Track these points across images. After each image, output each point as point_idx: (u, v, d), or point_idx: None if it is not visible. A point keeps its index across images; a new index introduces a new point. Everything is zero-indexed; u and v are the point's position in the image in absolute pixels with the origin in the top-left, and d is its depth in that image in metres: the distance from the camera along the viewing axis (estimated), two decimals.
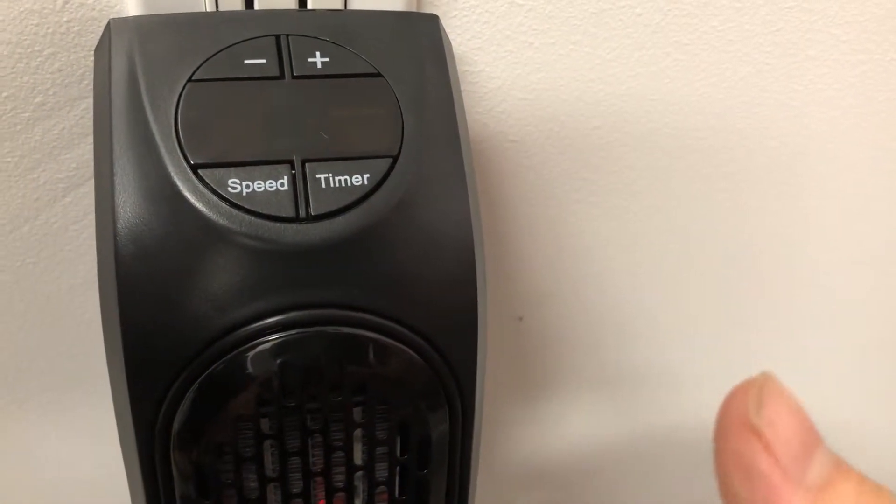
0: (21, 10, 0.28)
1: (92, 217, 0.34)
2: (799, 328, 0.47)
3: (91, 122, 0.31)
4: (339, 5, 0.29)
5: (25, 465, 0.41)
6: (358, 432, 0.26)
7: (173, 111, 0.24)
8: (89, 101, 0.31)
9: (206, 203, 0.23)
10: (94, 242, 0.35)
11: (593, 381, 0.46)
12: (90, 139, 0.32)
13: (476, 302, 0.26)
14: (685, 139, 0.37)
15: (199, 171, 0.23)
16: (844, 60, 0.36)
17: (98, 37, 0.29)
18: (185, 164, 0.23)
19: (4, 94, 0.30)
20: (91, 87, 0.30)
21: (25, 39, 0.28)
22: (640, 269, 0.42)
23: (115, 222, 0.23)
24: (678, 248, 0.41)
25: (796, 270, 0.44)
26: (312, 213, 0.24)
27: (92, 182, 0.33)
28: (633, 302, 0.43)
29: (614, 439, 0.49)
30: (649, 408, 0.49)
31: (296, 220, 0.24)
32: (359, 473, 0.26)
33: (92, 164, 0.32)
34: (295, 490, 0.26)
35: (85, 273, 0.36)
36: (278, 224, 0.23)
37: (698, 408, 0.49)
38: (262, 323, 0.24)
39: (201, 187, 0.23)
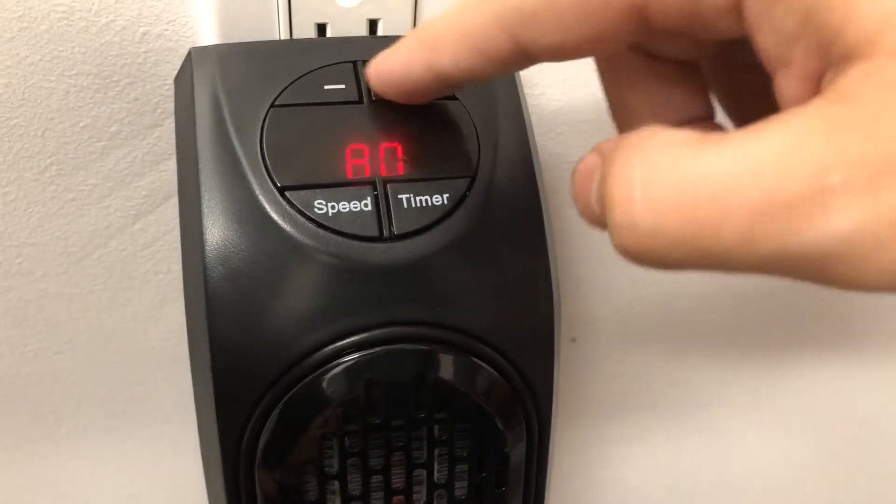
0: (102, 42, 0.29)
1: (160, 243, 0.35)
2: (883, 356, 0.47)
3: (163, 150, 0.32)
4: (408, 31, 0.30)
5: (87, 493, 0.41)
6: (438, 450, 0.26)
7: (258, 136, 0.25)
8: (162, 130, 0.31)
9: (294, 224, 0.24)
10: (160, 268, 0.35)
11: (647, 406, 0.46)
12: (161, 166, 0.32)
13: (553, 319, 0.26)
14: None
15: (286, 193, 0.24)
16: None
17: (174, 66, 0.30)
18: (272, 187, 0.24)
19: (82, 123, 0.30)
20: (164, 114, 0.31)
21: (105, 70, 0.29)
22: (697, 291, 0.42)
23: (203, 245, 0.24)
24: None
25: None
26: (396, 233, 0.24)
27: (160, 209, 0.34)
28: (690, 326, 0.43)
29: (670, 469, 0.49)
30: (707, 437, 0.49)
31: (380, 239, 0.24)
32: (438, 491, 0.27)
33: (161, 191, 0.33)
34: None
35: (150, 300, 0.36)
36: (364, 243, 0.24)
37: (757, 438, 0.49)
38: (347, 340, 0.24)
39: (288, 209, 0.24)
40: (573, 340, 0.43)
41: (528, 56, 0.20)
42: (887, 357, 0.48)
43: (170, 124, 0.31)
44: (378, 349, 0.24)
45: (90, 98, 0.30)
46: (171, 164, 0.32)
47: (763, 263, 0.14)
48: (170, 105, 0.31)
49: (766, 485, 0.52)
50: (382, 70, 0.23)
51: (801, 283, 0.15)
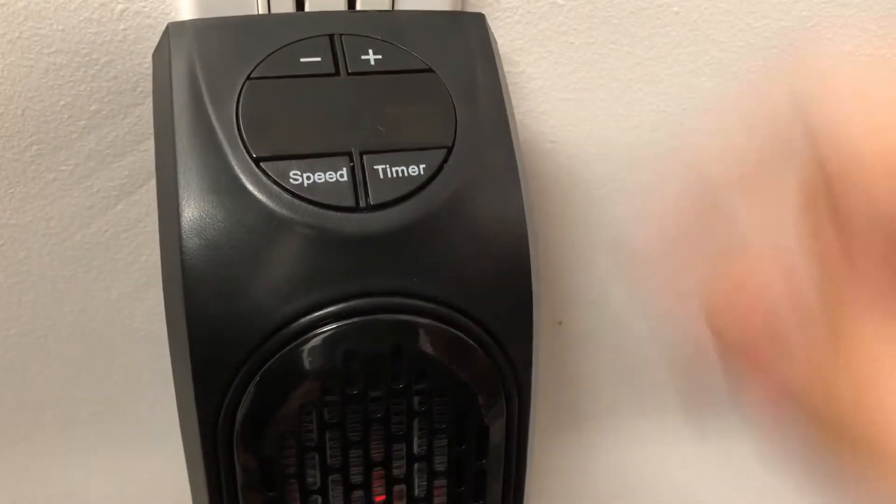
0: (80, 19, 0.29)
1: (142, 224, 0.35)
2: None
3: (144, 129, 0.32)
4: (386, 6, 0.30)
5: (73, 479, 0.41)
6: (417, 422, 0.26)
7: (234, 108, 0.25)
8: (142, 108, 0.31)
9: (269, 194, 0.24)
10: (143, 250, 0.35)
11: (633, 388, 0.46)
12: (143, 146, 0.32)
13: (531, 290, 0.26)
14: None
15: (262, 164, 0.24)
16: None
17: (153, 44, 0.30)
18: (247, 158, 0.24)
19: (62, 102, 0.30)
20: (144, 93, 0.31)
21: (84, 48, 0.29)
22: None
23: (179, 216, 0.24)
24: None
25: None
26: (372, 203, 0.24)
27: (143, 189, 0.34)
28: (680, 308, 0.43)
29: (655, 454, 0.49)
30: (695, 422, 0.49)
31: (356, 209, 0.24)
32: (418, 464, 0.27)
33: (143, 171, 0.33)
34: (355, 481, 0.26)
35: (135, 281, 0.36)
36: (339, 213, 0.24)
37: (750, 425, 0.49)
38: (324, 311, 0.24)
39: (264, 179, 0.24)
40: (559, 323, 0.43)
41: None
42: None
43: (150, 103, 0.31)
44: (355, 320, 0.24)
45: (70, 76, 0.30)
46: (152, 144, 0.32)
47: None
48: (149, 84, 0.31)
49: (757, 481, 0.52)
50: None
51: None
